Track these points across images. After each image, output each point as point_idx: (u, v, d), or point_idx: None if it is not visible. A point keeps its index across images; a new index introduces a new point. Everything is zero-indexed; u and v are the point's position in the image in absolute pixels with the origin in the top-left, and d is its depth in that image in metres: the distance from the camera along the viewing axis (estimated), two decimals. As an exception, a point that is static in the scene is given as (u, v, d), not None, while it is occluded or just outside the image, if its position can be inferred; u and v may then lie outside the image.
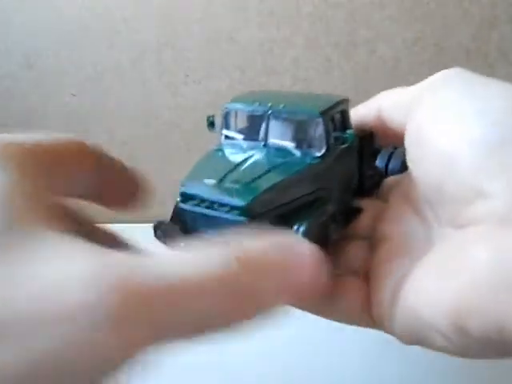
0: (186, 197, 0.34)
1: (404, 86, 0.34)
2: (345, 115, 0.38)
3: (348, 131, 0.37)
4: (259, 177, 0.33)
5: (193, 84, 0.77)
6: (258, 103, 0.38)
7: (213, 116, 0.41)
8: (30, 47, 0.76)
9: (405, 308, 0.29)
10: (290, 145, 0.36)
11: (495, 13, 0.71)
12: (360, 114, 0.38)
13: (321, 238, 0.33)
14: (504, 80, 0.31)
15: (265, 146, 0.37)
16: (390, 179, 0.43)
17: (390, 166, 0.44)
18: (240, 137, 0.39)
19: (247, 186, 0.32)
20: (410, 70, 0.74)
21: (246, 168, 0.34)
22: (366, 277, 0.34)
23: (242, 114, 0.39)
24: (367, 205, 0.40)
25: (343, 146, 0.38)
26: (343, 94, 0.37)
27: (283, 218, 0.32)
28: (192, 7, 0.73)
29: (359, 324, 0.34)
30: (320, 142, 0.36)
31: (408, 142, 0.31)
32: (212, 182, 0.33)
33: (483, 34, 0.72)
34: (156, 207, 0.91)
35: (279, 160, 0.35)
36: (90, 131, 0.80)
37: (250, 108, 0.39)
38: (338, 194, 0.37)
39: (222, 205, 0.32)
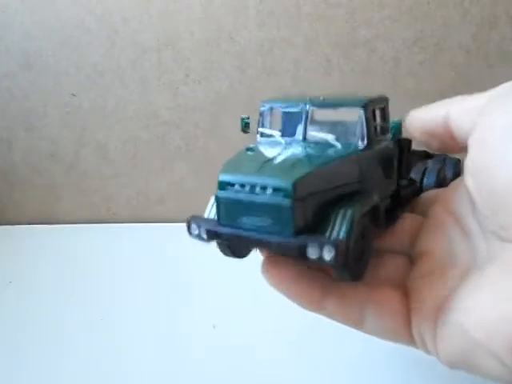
0: (224, 184, 0.32)
1: (473, 94, 0.33)
2: (385, 113, 0.38)
3: (393, 120, 0.36)
4: (301, 162, 0.32)
5: (193, 84, 0.77)
6: (295, 100, 0.37)
7: (248, 117, 0.40)
8: (30, 47, 0.76)
9: (454, 328, 0.27)
10: (330, 137, 0.35)
11: (495, 13, 0.71)
12: (423, 117, 0.36)
13: (364, 228, 0.32)
14: (504, 80, 0.31)
15: (304, 140, 0.36)
16: (429, 193, 0.42)
17: (426, 180, 0.45)
18: (277, 133, 0.38)
19: (290, 169, 0.31)
20: (409, 70, 0.74)
21: (286, 157, 0.33)
22: (405, 292, 0.33)
23: (278, 111, 0.39)
24: (405, 218, 0.39)
25: (385, 142, 0.37)
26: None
27: (327, 204, 0.31)
28: (192, 7, 0.73)
29: (397, 340, 0.32)
30: (361, 133, 0.35)
31: (473, 153, 0.29)
32: (252, 168, 0.32)
33: (483, 34, 0.72)
34: (156, 207, 0.91)
35: (320, 151, 0.34)
36: (89, 131, 0.80)
37: (288, 104, 0.38)
38: (377, 191, 0.36)
39: (264, 188, 0.30)
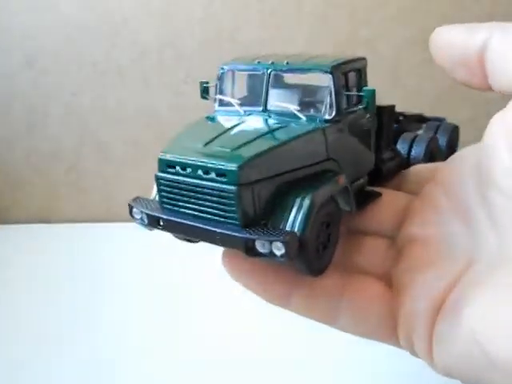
0: (164, 164, 0.29)
1: None
2: (361, 77, 0.33)
3: (365, 89, 0.31)
4: (254, 139, 0.28)
5: (193, 84, 0.77)
6: (257, 61, 0.33)
7: (207, 82, 0.37)
8: (30, 47, 0.76)
9: (461, 336, 0.23)
10: (293, 107, 0.31)
11: (495, 13, 0.71)
12: (453, 38, 0.28)
13: (328, 216, 0.29)
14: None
15: (264, 110, 0.32)
16: (421, 168, 0.36)
17: (413, 151, 0.39)
18: (236, 102, 0.33)
19: (239, 148, 0.27)
20: (410, 70, 0.74)
21: (239, 131, 0.29)
22: (388, 283, 0.30)
23: (239, 75, 0.35)
24: (388, 195, 0.34)
25: (357, 111, 0.32)
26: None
27: (284, 189, 0.27)
28: (193, 7, 0.73)
29: (375, 338, 0.29)
30: (329, 102, 0.30)
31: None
32: (197, 145, 0.28)
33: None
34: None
35: (280, 124, 0.30)
36: (90, 131, 0.80)
37: (249, 67, 0.34)
38: (350, 168, 0.32)
39: (207, 171, 0.27)
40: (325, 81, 0.31)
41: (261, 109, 0.32)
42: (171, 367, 0.47)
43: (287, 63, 0.32)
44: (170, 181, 0.29)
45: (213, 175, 0.27)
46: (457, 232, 0.27)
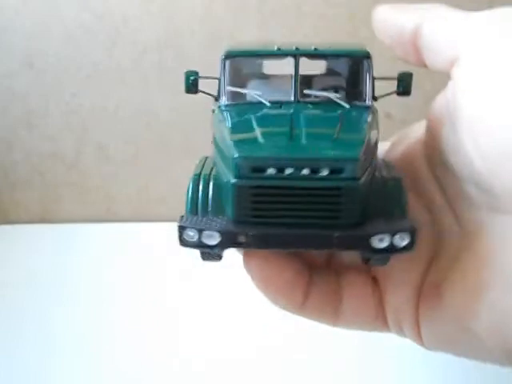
0: (248, 168, 0.23)
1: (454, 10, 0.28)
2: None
3: (401, 72, 0.29)
4: (338, 129, 0.24)
5: (193, 84, 0.77)
6: (277, 47, 0.29)
7: (196, 73, 0.31)
8: (30, 47, 0.76)
9: (445, 314, 0.26)
10: (333, 95, 0.28)
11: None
12: (390, 19, 0.30)
13: None
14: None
15: (296, 100, 0.27)
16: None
17: None
18: (257, 93, 0.28)
19: (338, 140, 0.23)
20: (410, 69, 0.74)
21: (308, 122, 0.25)
22: (369, 275, 0.30)
23: (252, 61, 0.30)
24: None
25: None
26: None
27: (370, 180, 0.25)
28: (193, 7, 0.73)
29: (371, 329, 0.30)
30: (367, 89, 0.28)
31: (471, 94, 0.24)
32: (281, 141, 0.23)
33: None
34: (156, 206, 0.91)
35: (335, 113, 0.27)
36: (90, 131, 0.80)
37: (267, 51, 0.29)
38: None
39: (317, 168, 0.22)
40: (361, 66, 0.29)
41: (292, 98, 0.28)
42: (171, 367, 0.47)
43: (315, 49, 0.29)
44: (258, 187, 0.23)
45: (324, 172, 0.22)
46: (423, 219, 0.28)
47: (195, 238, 0.25)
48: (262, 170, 0.23)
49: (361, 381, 0.46)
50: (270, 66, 0.30)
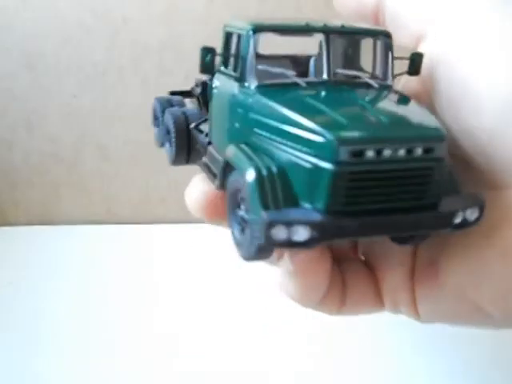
0: (348, 151, 0.21)
1: None
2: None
3: (414, 53, 0.28)
4: (407, 110, 0.24)
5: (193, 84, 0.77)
6: (305, 23, 0.28)
7: (214, 50, 0.30)
8: (30, 47, 0.76)
9: (448, 292, 0.27)
10: (364, 75, 0.27)
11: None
12: None
13: None
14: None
15: (330, 80, 0.26)
16: None
17: None
18: (291, 73, 0.27)
19: (417, 119, 0.23)
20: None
21: (372, 104, 0.24)
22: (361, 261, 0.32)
23: (277, 38, 0.29)
24: None
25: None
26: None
27: None
28: (193, 8, 0.73)
29: (370, 311, 0.31)
30: (389, 68, 0.28)
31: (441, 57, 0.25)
32: (366, 121, 0.22)
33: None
34: (157, 207, 0.91)
35: (383, 93, 0.26)
36: (89, 131, 0.80)
37: (300, 26, 0.28)
38: None
39: (412, 148, 0.21)
40: (384, 45, 0.28)
41: (325, 78, 0.26)
42: (171, 367, 0.47)
43: (343, 26, 0.28)
44: (357, 173, 0.21)
45: (418, 152, 0.22)
46: None
47: (286, 235, 0.21)
48: (361, 153, 0.21)
49: (360, 381, 0.46)
50: (266, 45, 0.29)
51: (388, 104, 0.25)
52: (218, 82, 0.30)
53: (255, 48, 0.27)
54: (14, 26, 0.75)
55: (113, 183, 0.82)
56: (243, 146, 0.25)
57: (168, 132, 0.39)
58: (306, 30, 0.28)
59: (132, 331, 0.53)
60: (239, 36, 0.28)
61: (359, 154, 0.21)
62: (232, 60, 0.29)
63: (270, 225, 0.20)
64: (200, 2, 0.73)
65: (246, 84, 0.26)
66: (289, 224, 0.20)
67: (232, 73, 0.28)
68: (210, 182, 0.29)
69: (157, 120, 0.44)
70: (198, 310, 0.56)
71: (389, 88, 0.27)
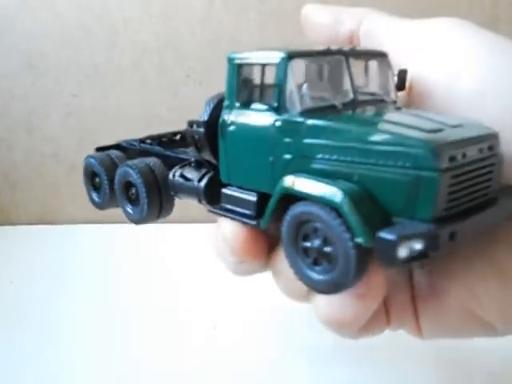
0: (447, 157, 0.22)
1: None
2: None
3: (401, 69, 0.30)
4: (444, 117, 0.26)
5: (193, 84, 0.77)
6: (328, 47, 0.29)
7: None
8: (30, 48, 0.76)
9: (453, 312, 0.29)
10: (379, 93, 0.29)
11: (495, 13, 0.71)
12: (321, 22, 0.33)
13: None
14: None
15: (356, 100, 0.27)
16: None
17: None
18: (329, 95, 0.28)
19: (461, 123, 0.25)
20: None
21: (420, 115, 0.26)
22: None
23: (310, 64, 0.30)
24: None
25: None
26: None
27: None
28: (193, 8, 0.73)
29: (384, 329, 0.33)
30: (392, 86, 0.30)
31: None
32: (436, 130, 0.23)
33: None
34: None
35: (400, 108, 0.29)
36: (89, 131, 0.80)
37: (319, 53, 0.30)
38: None
39: (490, 147, 0.24)
40: (386, 65, 0.30)
41: (351, 98, 0.28)
42: (171, 367, 0.47)
43: (353, 49, 0.30)
44: (455, 177, 0.22)
45: (486, 150, 0.24)
46: None
47: (409, 250, 0.21)
48: (454, 158, 0.22)
49: (360, 379, 0.46)
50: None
51: (424, 114, 0.26)
52: (234, 117, 0.29)
53: (292, 75, 0.27)
54: (14, 26, 0.75)
55: (113, 183, 0.83)
56: (305, 174, 0.25)
57: (126, 191, 0.37)
58: (331, 54, 0.28)
59: (132, 331, 0.53)
60: (263, 66, 0.29)
61: (453, 158, 0.22)
62: (257, 91, 0.28)
63: (398, 243, 0.20)
64: (200, 2, 0.73)
65: (287, 112, 0.26)
66: (412, 238, 0.21)
67: (259, 105, 0.28)
68: (238, 223, 0.29)
69: (94, 181, 0.40)
70: (197, 310, 0.56)
71: (396, 103, 0.29)
